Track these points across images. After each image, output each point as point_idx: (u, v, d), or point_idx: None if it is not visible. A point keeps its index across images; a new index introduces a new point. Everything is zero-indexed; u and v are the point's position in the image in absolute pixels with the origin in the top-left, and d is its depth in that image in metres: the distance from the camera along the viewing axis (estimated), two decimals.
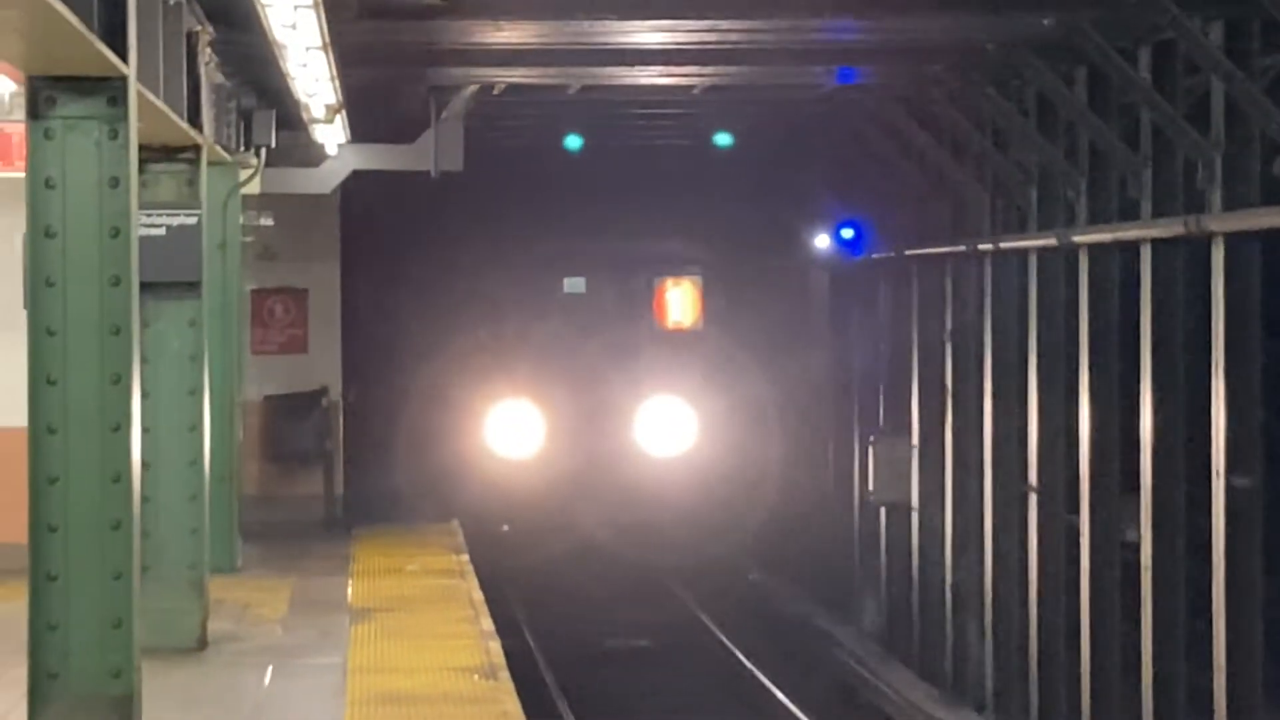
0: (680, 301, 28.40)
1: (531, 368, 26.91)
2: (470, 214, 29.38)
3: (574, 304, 27.74)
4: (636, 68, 19.12)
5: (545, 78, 20.94)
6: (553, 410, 27.70)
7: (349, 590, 19.99)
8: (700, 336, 27.90)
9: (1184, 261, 15.14)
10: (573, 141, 26.26)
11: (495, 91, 21.26)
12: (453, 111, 22.30)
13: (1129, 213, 15.65)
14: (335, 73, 16.07)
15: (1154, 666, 15.12)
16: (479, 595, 19.35)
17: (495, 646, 16.16)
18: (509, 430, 26.79)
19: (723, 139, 25.99)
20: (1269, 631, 14.50)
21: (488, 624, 17.55)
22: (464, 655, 15.98)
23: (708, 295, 28.13)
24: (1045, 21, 14.91)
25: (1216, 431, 14.02)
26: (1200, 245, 14.04)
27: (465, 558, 22.19)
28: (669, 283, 27.82)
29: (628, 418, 27.54)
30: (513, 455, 26.39)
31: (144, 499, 12.45)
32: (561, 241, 27.42)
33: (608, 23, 16.33)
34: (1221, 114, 14.65)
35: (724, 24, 16.14)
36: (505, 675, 14.93)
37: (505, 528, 25.08)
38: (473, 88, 21.29)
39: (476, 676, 15.09)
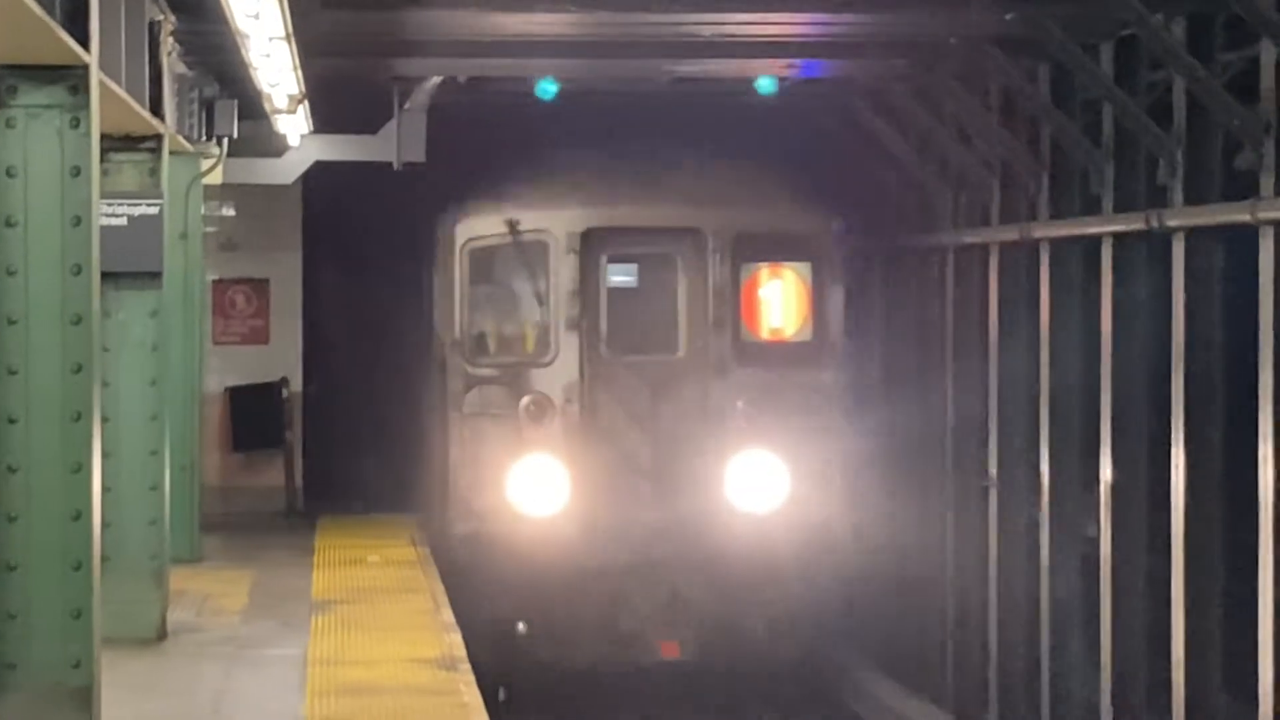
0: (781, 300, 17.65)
1: (560, 397, 17.38)
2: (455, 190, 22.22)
3: (623, 304, 17.37)
4: (601, 60, 19.32)
5: (509, 69, 21.10)
6: (586, 467, 17.75)
7: (310, 581, 20.13)
8: (810, 352, 17.40)
9: (1144, 256, 15.28)
10: (547, 88, 19.85)
11: (460, 81, 21.49)
12: (415, 103, 22.54)
13: (1092, 208, 15.79)
14: (298, 63, 16.10)
15: None
16: (439, 586, 19.24)
17: (455, 638, 16.20)
18: (528, 485, 17.29)
19: (766, 84, 19.35)
20: None
21: (448, 616, 17.57)
22: (424, 647, 16.10)
23: (819, 291, 17.63)
24: (1008, 16, 15.11)
25: (1176, 425, 13.99)
26: (1161, 240, 14.16)
27: (426, 550, 22.30)
28: (764, 273, 17.33)
29: (706, 475, 17.21)
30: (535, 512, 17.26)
31: (104, 489, 12.41)
32: (592, 209, 17.43)
33: (570, 15, 16.35)
34: (1184, 109, 14.87)
35: (690, 17, 16.22)
36: (465, 666, 15.04)
37: (521, 627, 16.78)
38: (436, 79, 21.50)
39: (436, 668, 15.12)
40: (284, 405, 25.78)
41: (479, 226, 17.62)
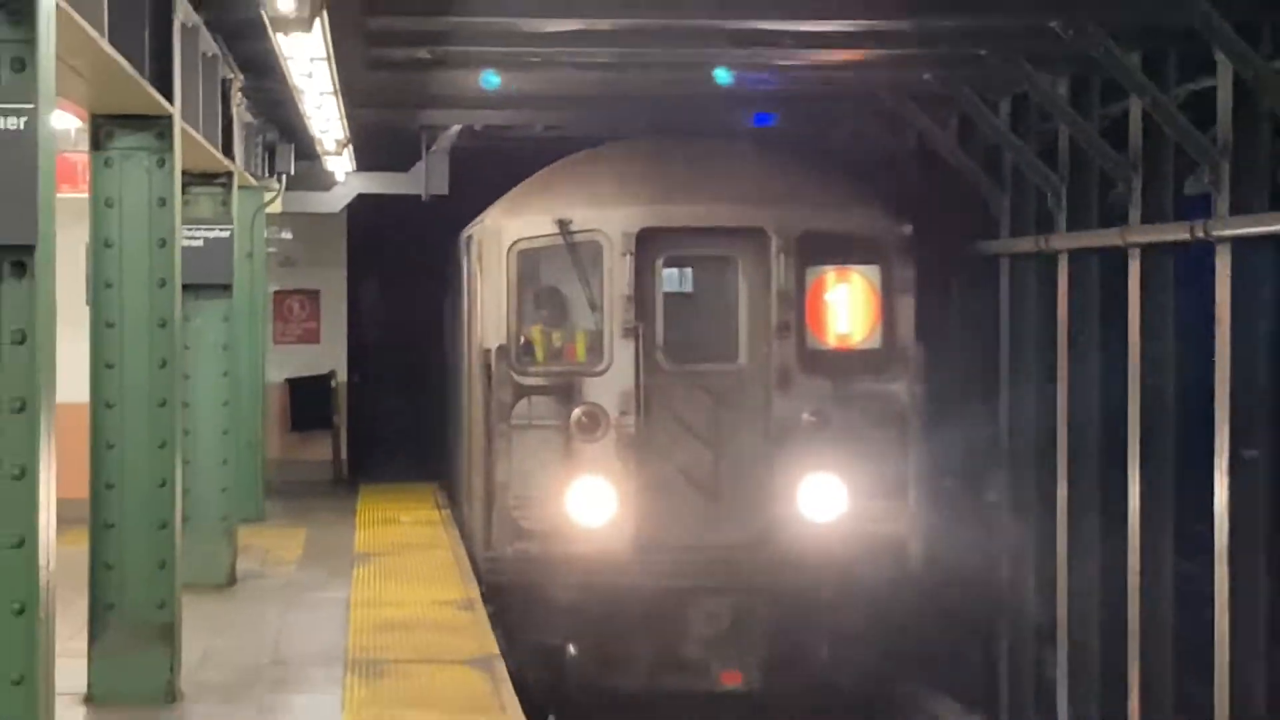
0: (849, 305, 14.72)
1: (614, 408, 13.98)
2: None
3: (681, 309, 14.36)
4: (588, 112, 19.49)
5: (517, 119, 21.17)
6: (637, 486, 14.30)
7: (353, 537, 20.07)
8: (880, 360, 14.30)
9: (1099, 271, 14.18)
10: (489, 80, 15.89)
11: (477, 128, 21.53)
12: (440, 146, 22.50)
13: (1046, 224, 14.91)
14: (344, 114, 16.07)
15: None
16: (460, 544, 19.14)
17: (472, 586, 16.05)
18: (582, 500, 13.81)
19: (722, 75, 15.74)
20: None
21: (466, 566, 17.49)
22: (446, 592, 16.01)
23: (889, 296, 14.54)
24: (925, 77, 14.75)
25: (1133, 433, 12.96)
26: (1118, 255, 13.34)
27: (447, 512, 22.08)
28: (830, 277, 14.39)
29: (770, 492, 14.07)
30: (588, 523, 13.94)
31: (185, 462, 12.69)
32: (648, 208, 14.18)
33: (568, 73, 16.32)
34: (1068, 153, 14.52)
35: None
36: (481, 609, 14.86)
37: (572, 649, 13.55)
38: (457, 126, 21.55)
39: (456, 609, 15.03)
40: (332, 393, 25.82)
41: (528, 227, 14.16)
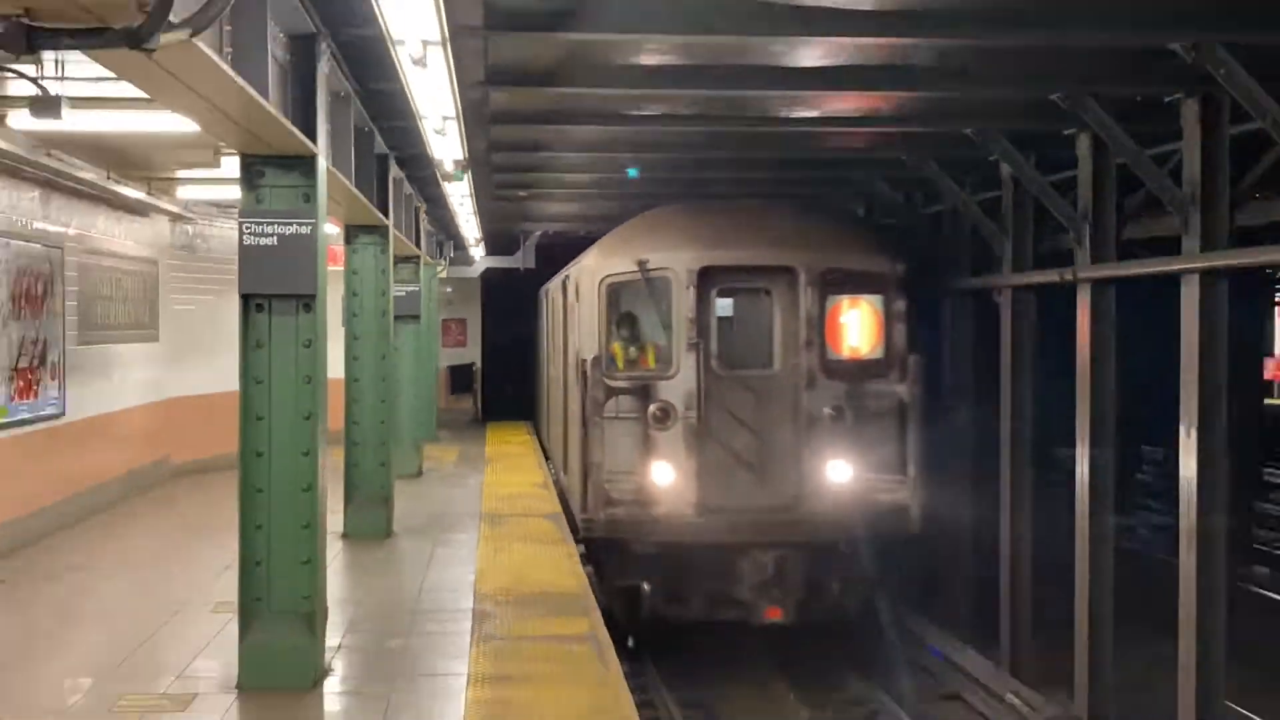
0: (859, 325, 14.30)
1: (681, 404, 13.01)
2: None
3: (731, 327, 14.12)
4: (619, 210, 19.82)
5: (569, 228, 24.52)
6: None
7: (484, 451, 22.48)
8: (882, 367, 13.83)
9: (1046, 304, 14.11)
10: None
11: (551, 232, 26.13)
12: (529, 241, 27.21)
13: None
14: (479, 224, 19.46)
15: None
16: (541, 454, 21.63)
17: (547, 473, 18.89)
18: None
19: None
20: None
21: (543, 462, 20.39)
22: (533, 477, 18.66)
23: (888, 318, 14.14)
24: (903, 157, 14.60)
25: (1082, 463, 12.36)
26: (1068, 290, 12.68)
27: (533, 436, 25.03)
28: (844, 303, 14.00)
29: (800, 468, 13.35)
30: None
31: (395, 411, 14.47)
32: (707, 251, 13.80)
33: (610, 203, 19.22)
34: (969, 221, 14.97)
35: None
36: (551, 486, 17.60)
37: (645, 586, 13.24)
38: (539, 231, 26.19)
39: (539, 487, 17.53)
40: (473, 373, 30.41)
41: (615, 265, 13.87)
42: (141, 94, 6.63)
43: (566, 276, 17.26)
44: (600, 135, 13.19)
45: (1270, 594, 16.38)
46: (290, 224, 7.52)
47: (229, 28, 5.94)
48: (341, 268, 13.39)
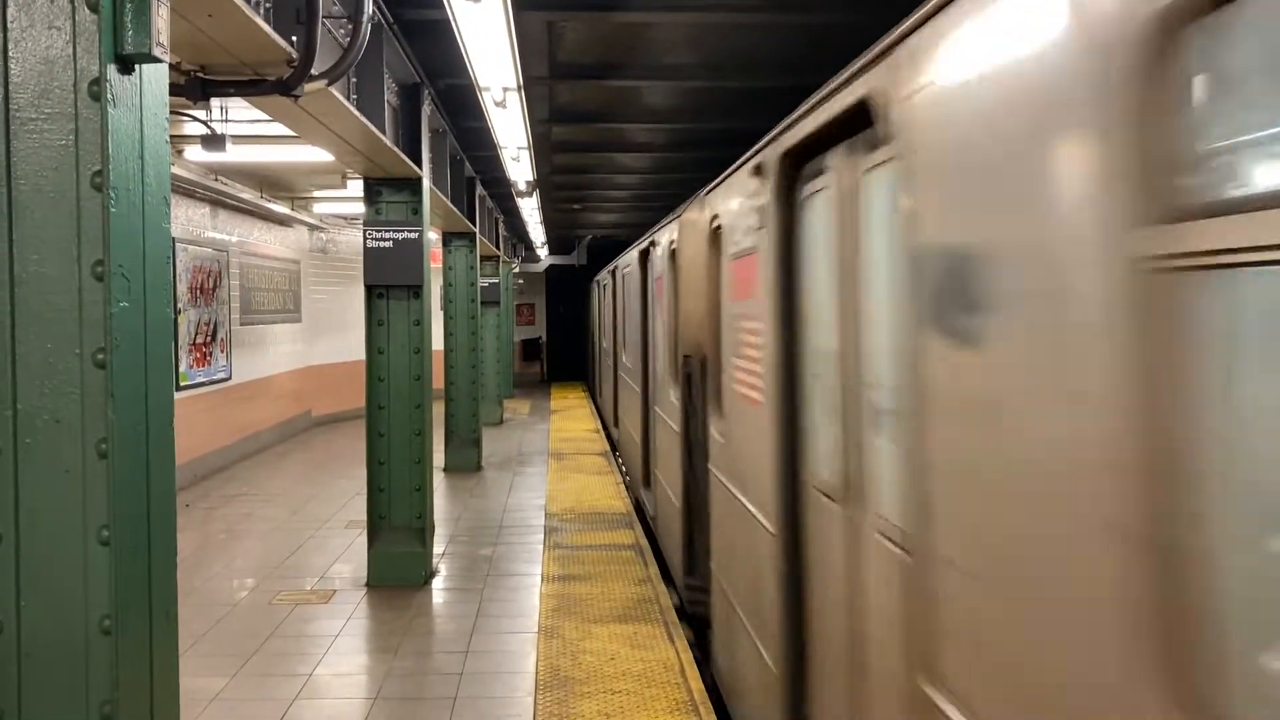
0: None
1: None
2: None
3: None
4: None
5: (616, 234, 23.73)
6: None
7: (549, 404, 21.94)
8: None
9: None
10: None
11: (599, 236, 25.32)
12: (582, 243, 26.32)
13: None
14: (545, 231, 19.40)
15: None
16: (593, 405, 21.18)
17: (598, 422, 18.11)
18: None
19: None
20: None
21: (595, 414, 19.57)
22: (589, 425, 17.86)
23: None
24: None
25: None
26: None
27: (588, 395, 23.74)
28: None
29: None
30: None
31: (481, 374, 14.33)
32: None
33: (645, 214, 18.61)
34: None
35: None
36: (601, 431, 16.80)
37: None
38: (590, 234, 25.00)
39: (593, 433, 16.72)
40: (540, 346, 30.04)
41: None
42: (288, 131, 6.68)
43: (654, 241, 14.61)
44: (637, 159, 12.92)
45: None
46: (402, 231, 7.57)
47: (355, 79, 5.95)
48: (441, 265, 13.32)
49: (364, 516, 8.67)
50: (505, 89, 6.31)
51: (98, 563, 2.41)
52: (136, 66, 2.50)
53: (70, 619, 2.42)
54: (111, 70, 2.42)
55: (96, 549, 2.42)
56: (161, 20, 2.51)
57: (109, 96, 2.41)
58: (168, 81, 2.66)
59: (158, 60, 2.51)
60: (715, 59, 7.61)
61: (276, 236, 15.56)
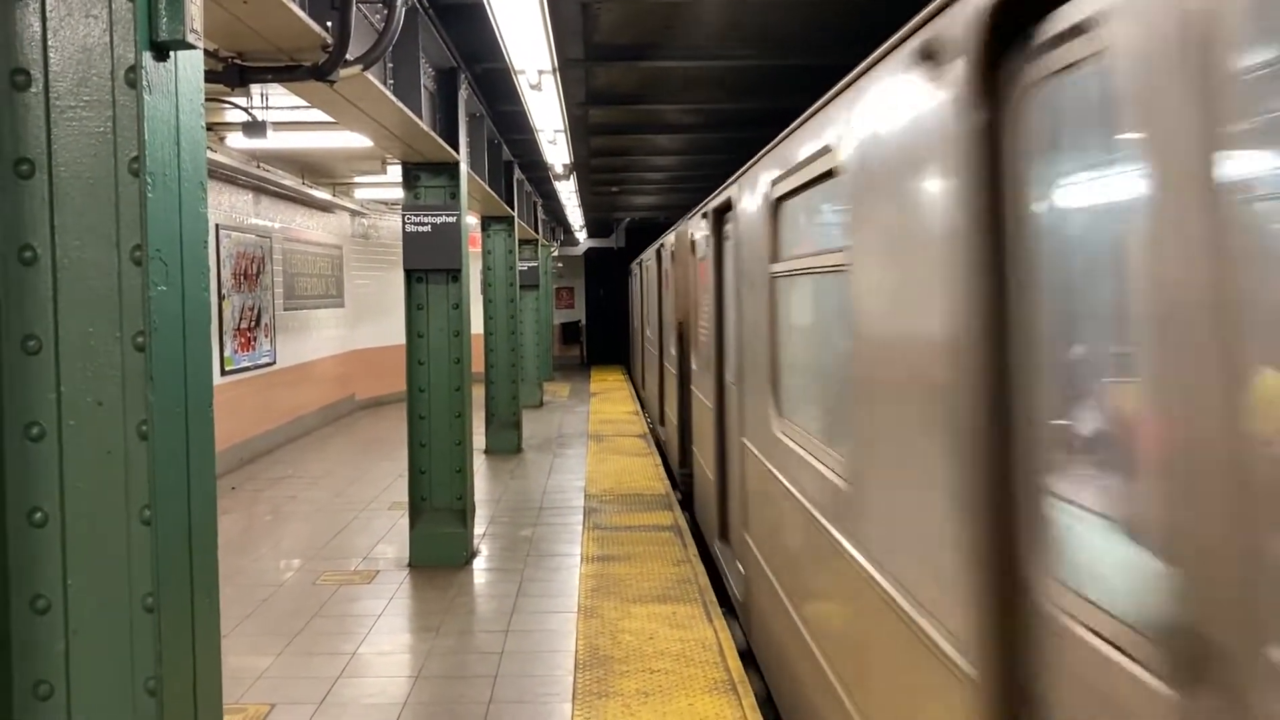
0: None
1: None
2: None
3: None
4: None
5: (654, 216, 23.40)
6: None
7: (589, 387, 21.85)
8: None
9: None
10: None
11: (637, 219, 25.12)
12: (620, 226, 26.36)
13: None
14: (583, 213, 19.05)
15: None
16: (633, 389, 21.04)
17: (638, 404, 18.09)
18: None
19: None
20: None
21: (634, 396, 19.47)
22: (628, 407, 17.86)
23: None
24: None
25: None
26: None
27: (626, 377, 23.77)
28: None
29: None
30: None
31: (521, 357, 14.35)
32: None
33: (683, 195, 18.25)
34: None
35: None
36: (640, 413, 16.78)
37: None
38: (627, 218, 24.91)
39: (632, 415, 16.70)
40: (579, 329, 29.81)
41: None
42: (327, 118, 6.80)
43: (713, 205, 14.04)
44: (674, 141, 12.67)
45: None
46: (440, 215, 7.52)
47: (391, 64, 5.92)
48: (479, 249, 13.63)
49: (406, 498, 8.56)
50: (540, 72, 6.27)
51: (140, 542, 2.44)
52: (171, 53, 2.51)
53: (114, 597, 2.46)
54: (147, 57, 2.43)
55: (139, 528, 2.44)
56: (195, 7, 2.52)
57: (145, 83, 2.42)
58: (202, 68, 2.66)
59: (191, 47, 2.52)
60: (752, 37, 7.52)
61: (318, 222, 15.58)
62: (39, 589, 2.47)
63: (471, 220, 13.96)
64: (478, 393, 14.48)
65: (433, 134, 6.71)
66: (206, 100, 3.46)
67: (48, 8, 2.44)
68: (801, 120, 4.03)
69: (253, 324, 12.72)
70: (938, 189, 2.44)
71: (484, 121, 9.51)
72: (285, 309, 14.05)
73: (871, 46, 3.33)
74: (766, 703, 5.41)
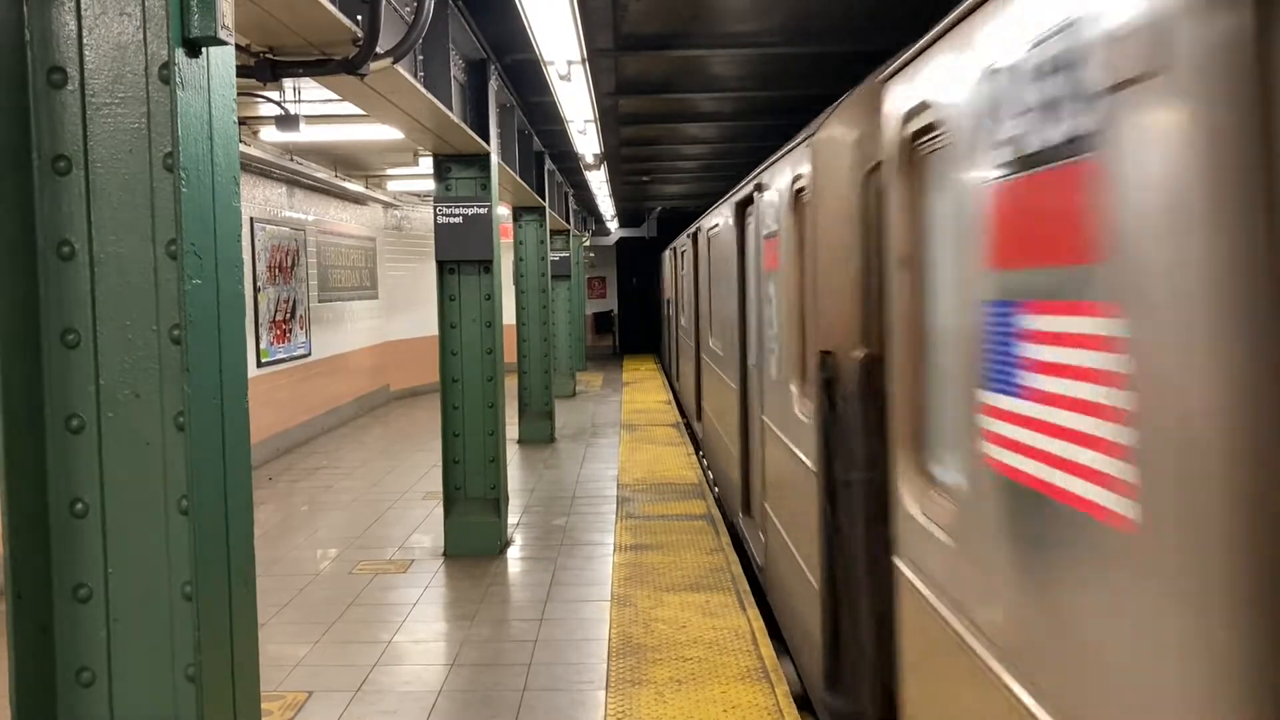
0: None
1: None
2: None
3: None
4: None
5: (686, 205, 23.43)
6: None
7: (622, 377, 21.78)
8: None
9: None
10: None
11: (668, 208, 25.11)
12: (652, 215, 26.54)
13: None
14: (614, 202, 19.37)
15: None
16: (666, 378, 20.96)
17: (670, 394, 18.02)
18: None
19: None
20: None
21: (666, 385, 19.44)
22: (660, 396, 17.83)
23: None
24: None
25: None
26: None
27: (659, 366, 23.71)
28: None
29: None
30: None
31: (554, 347, 14.34)
32: None
33: (714, 184, 18.00)
34: None
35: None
36: (673, 402, 16.81)
37: None
38: (659, 207, 24.88)
39: (664, 404, 16.66)
40: (611, 318, 29.84)
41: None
42: (359, 111, 6.70)
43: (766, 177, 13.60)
44: (704, 129, 12.65)
45: None
46: (472, 206, 7.53)
47: (421, 57, 5.93)
48: (511, 240, 13.33)
49: (441, 488, 8.76)
50: (570, 62, 6.29)
51: (178, 531, 2.48)
52: (204, 49, 2.54)
53: (154, 585, 2.50)
54: (180, 54, 2.46)
55: (177, 518, 2.48)
56: (227, 3, 2.55)
57: (178, 79, 2.45)
58: (234, 63, 2.70)
59: (223, 43, 2.55)
60: (781, 25, 7.50)
61: (352, 214, 15.65)
62: (81, 578, 2.51)
63: (503, 211, 13.98)
64: (511, 383, 14.78)
65: (463, 125, 6.73)
66: (239, 94, 3.47)
67: (82, 6, 2.47)
68: (825, 115, 4.52)
69: (288, 316, 12.79)
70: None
71: (514, 112, 9.47)
72: (320, 301, 14.13)
73: (903, 32, 3.23)
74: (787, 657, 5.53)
